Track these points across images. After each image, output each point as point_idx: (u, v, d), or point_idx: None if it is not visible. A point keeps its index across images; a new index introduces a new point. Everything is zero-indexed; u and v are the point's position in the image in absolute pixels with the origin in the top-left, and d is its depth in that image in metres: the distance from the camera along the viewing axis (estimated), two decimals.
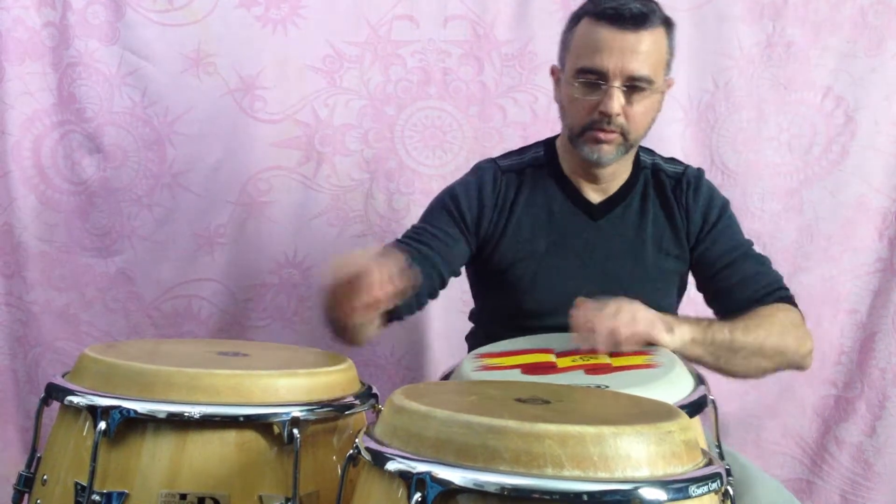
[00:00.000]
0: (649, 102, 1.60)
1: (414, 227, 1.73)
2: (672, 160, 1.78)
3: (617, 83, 1.56)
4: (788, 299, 1.69)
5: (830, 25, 2.26)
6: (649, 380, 1.30)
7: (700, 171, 1.76)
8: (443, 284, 1.70)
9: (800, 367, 1.67)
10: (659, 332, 1.46)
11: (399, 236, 1.74)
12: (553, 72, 1.71)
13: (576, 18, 1.64)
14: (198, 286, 2.19)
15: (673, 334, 1.48)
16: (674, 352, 1.47)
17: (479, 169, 1.77)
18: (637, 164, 1.74)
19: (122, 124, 2.15)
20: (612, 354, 1.41)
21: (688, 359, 1.53)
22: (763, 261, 1.73)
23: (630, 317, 1.45)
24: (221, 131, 2.16)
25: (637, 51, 1.56)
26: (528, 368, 1.38)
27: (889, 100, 2.28)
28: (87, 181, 2.16)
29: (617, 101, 1.57)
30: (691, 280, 1.80)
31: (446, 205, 1.71)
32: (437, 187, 2.17)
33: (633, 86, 1.57)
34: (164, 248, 2.18)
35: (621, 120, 1.58)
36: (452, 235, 1.69)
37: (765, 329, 1.58)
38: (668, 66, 1.64)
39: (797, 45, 2.26)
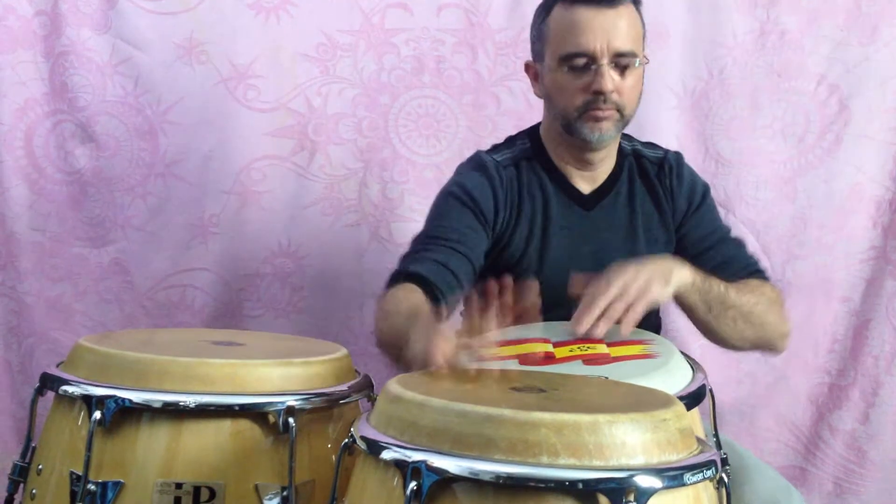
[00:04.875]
0: (636, 76, 1.61)
1: (433, 226, 1.65)
2: (650, 144, 1.78)
3: (605, 61, 1.57)
4: (767, 279, 1.70)
5: (824, 13, 2.26)
6: (648, 370, 1.30)
7: (679, 155, 1.77)
8: (474, 279, 1.65)
9: (774, 347, 1.68)
10: (656, 292, 1.45)
11: (417, 235, 1.67)
12: (528, 68, 1.70)
13: (546, 9, 1.64)
14: (191, 276, 2.18)
15: (669, 283, 1.48)
16: (673, 295, 1.49)
17: (481, 164, 1.71)
18: (620, 150, 1.74)
19: (114, 113, 2.14)
20: (609, 344, 1.41)
21: (682, 303, 1.54)
22: (741, 243, 1.75)
23: (620, 288, 1.44)
24: (214, 120, 2.15)
25: (618, 26, 1.57)
26: (526, 359, 1.37)
27: (883, 88, 2.28)
28: (80, 170, 2.15)
29: (609, 78, 1.57)
30: None
31: (464, 201, 1.65)
32: (431, 176, 2.18)
33: (621, 62, 1.58)
34: (157, 238, 2.17)
35: (616, 97, 1.59)
36: (475, 230, 1.64)
37: (755, 297, 1.60)
38: (644, 40, 1.65)
39: (791, 33, 2.26)
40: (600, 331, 1.41)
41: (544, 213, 1.69)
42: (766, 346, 1.67)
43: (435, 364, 1.18)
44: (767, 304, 1.62)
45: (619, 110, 1.60)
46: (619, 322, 1.42)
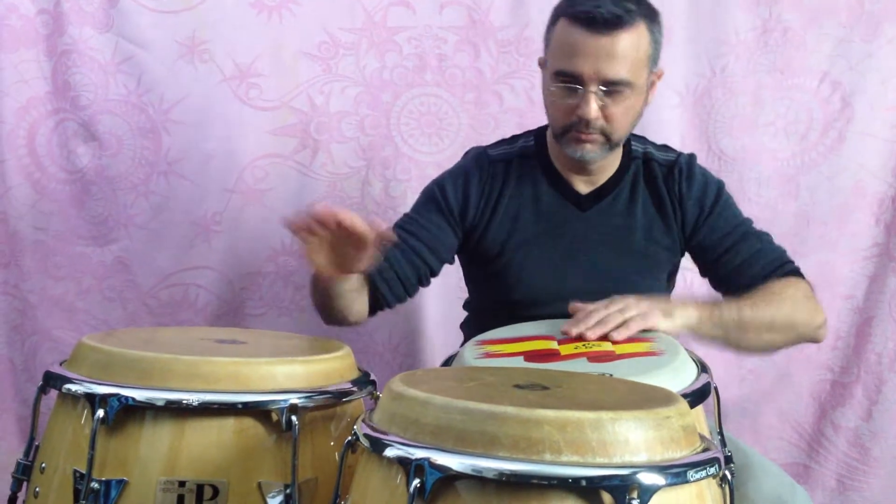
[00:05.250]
0: (630, 103, 1.59)
1: (405, 215, 1.75)
2: (664, 147, 1.77)
3: (593, 88, 1.55)
4: (795, 272, 1.68)
5: (827, 10, 2.26)
6: (654, 367, 1.30)
7: (692, 158, 1.75)
8: (432, 273, 1.71)
9: (814, 339, 1.67)
10: (656, 319, 1.46)
11: (393, 224, 1.74)
12: (541, 63, 1.70)
13: (555, 17, 1.63)
14: (194, 274, 2.19)
15: (673, 319, 1.48)
16: (684, 333, 1.49)
17: (467, 157, 1.78)
18: (628, 153, 1.73)
19: (117, 112, 2.14)
20: (614, 342, 1.41)
21: (700, 340, 1.54)
22: (764, 237, 1.72)
23: (622, 305, 1.46)
24: (217, 119, 2.16)
25: (613, 55, 1.53)
26: (531, 356, 1.37)
27: (885, 85, 2.28)
28: (83, 169, 2.15)
29: (594, 106, 1.55)
30: (691, 267, 1.79)
31: (434, 194, 1.72)
32: (433, 174, 2.16)
33: (611, 89, 1.56)
34: (160, 237, 2.17)
35: (601, 123, 1.58)
36: (438, 224, 1.70)
37: (775, 304, 1.58)
38: (653, 59, 1.62)
39: (793, 30, 2.26)
40: (593, 334, 1.42)
41: (534, 211, 1.70)
42: (802, 341, 1.67)
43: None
44: (791, 305, 1.60)
45: (606, 135, 1.59)
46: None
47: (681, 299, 1.57)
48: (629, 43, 1.55)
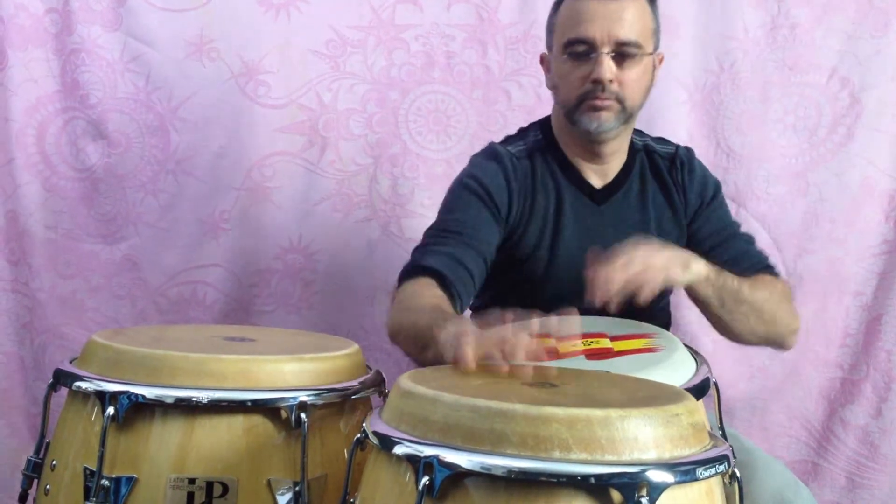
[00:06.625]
0: (641, 69, 1.60)
1: (447, 219, 1.64)
2: (661, 140, 1.78)
3: (606, 50, 1.57)
4: (779, 275, 1.71)
5: (835, 6, 2.25)
6: (651, 364, 1.30)
7: (690, 150, 1.77)
8: (486, 274, 1.64)
9: (784, 343, 1.68)
10: (676, 273, 1.45)
11: (429, 227, 1.65)
12: (542, 60, 1.71)
13: (557, 2, 1.66)
14: (203, 272, 2.19)
15: (689, 271, 1.48)
16: (687, 285, 1.50)
17: (495, 155, 1.69)
18: (631, 146, 1.73)
19: (125, 110, 2.14)
20: (613, 338, 1.41)
21: (696, 297, 1.55)
22: (750, 240, 1.76)
23: (641, 266, 1.42)
24: (225, 117, 2.16)
25: (622, 17, 1.57)
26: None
27: (894, 81, 2.27)
28: (92, 167, 2.16)
29: (608, 67, 1.57)
30: None
31: (478, 193, 1.64)
32: (441, 172, 2.18)
33: (623, 52, 1.58)
34: (169, 235, 2.18)
35: (615, 87, 1.58)
36: (488, 224, 1.63)
37: (767, 292, 1.61)
38: (656, 36, 1.64)
39: (802, 26, 2.25)
40: (615, 305, 1.39)
41: (557, 206, 1.69)
42: (776, 341, 1.67)
43: (465, 363, 1.17)
44: (779, 300, 1.63)
45: (620, 101, 1.60)
46: (634, 294, 1.40)
47: (692, 253, 1.57)
48: (635, 9, 1.59)
